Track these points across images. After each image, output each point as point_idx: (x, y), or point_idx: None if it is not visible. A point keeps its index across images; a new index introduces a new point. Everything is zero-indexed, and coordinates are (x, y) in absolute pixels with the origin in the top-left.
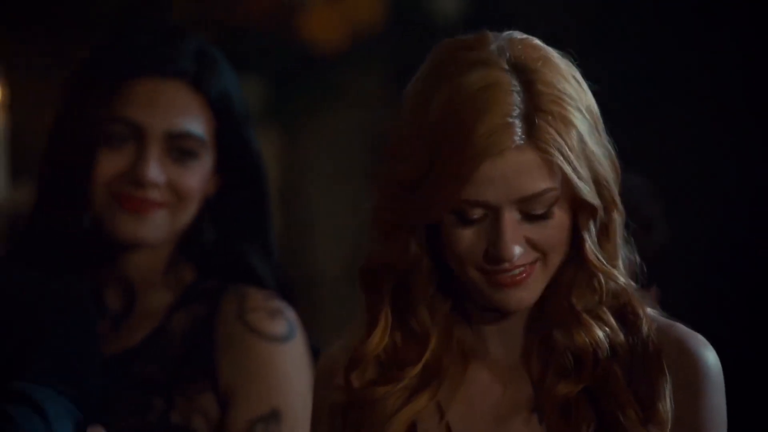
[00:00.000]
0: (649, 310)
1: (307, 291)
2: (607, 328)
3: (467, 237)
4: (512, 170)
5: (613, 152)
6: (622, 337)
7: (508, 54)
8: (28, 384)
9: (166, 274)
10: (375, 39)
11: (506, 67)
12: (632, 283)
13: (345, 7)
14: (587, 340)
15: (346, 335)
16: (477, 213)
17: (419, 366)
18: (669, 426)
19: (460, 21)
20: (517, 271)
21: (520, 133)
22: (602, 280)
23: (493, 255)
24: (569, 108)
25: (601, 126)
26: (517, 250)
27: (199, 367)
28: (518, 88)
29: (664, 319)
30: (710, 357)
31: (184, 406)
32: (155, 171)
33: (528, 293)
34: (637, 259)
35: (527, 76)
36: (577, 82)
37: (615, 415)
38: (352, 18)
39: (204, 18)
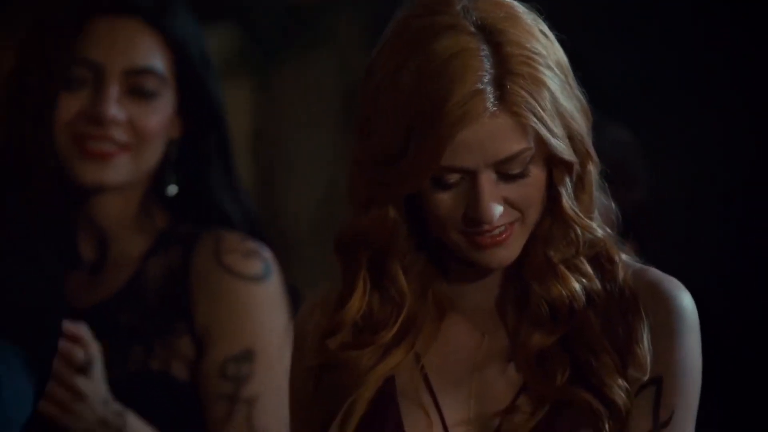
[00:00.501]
0: (623, 256)
1: (281, 238)
2: (584, 279)
3: (446, 201)
4: (487, 136)
5: (584, 101)
6: (598, 285)
7: (473, 15)
8: None
9: (138, 221)
10: None
11: (473, 30)
12: (608, 231)
13: None
14: (563, 292)
15: (320, 291)
16: (454, 177)
17: (395, 328)
18: (648, 368)
19: None
20: (497, 231)
21: (492, 99)
22: (579, 233)
23: (473, 217)
24: (539, 67)
25: (571, 77)
26: (496, 210)
27: (176, 311)
28: (487, 52)
29: (638, 264)
30: (685, 299)
31: (163, 352)
32: (115, 108)
33: (509, 252)
34: (614, 206)
35: (495, 37)
36: (545, 36)
37: (589, 362)
38: None
39: None
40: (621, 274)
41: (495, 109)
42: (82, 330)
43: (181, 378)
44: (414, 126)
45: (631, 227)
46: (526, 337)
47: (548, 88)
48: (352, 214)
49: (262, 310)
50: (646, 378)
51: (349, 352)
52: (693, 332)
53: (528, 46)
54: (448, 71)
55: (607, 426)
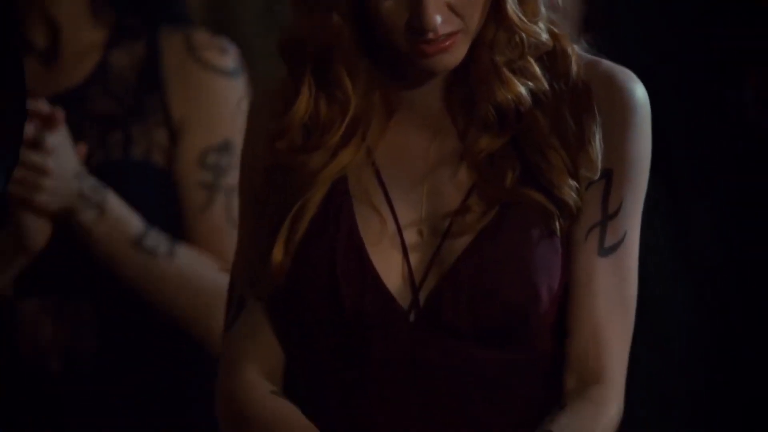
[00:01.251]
0: (576, 48)
1: (228, 32)
2: (530, 82)
3: (389, 8)
4: None
5: None
6: (546, 85)
7: None
8: None
9: (89, 11)
10: None
11: None
12: (557, 30)
13: None
14: (508, 96)
15: (273, 82)
16: None
17: (342, 129)
18: (599, 166)
19: None
20: (441, 38)
21: None
22: (523, 37)
23: (416, 25)
24: None
25: None
26: (439, 18)
27: (150, 101)
28: None
29: (590, 56)
30: (638, 91)
31: (142, 140)
32: None
33: (453, 57)
34: (560, 1)
35: None
36: None
37: (538, 163)
38: None
39: None
40: (574, 68)
41: None
42: (36, 103)
43: (160, 166)
44: None
45: (585, 19)
46: (474, 140)
47: None
48: (297, 16)
49: (237, 104)
50: (596, 177)
51: (298, 155)
52: (645, 124)
53: None
54: None
55: (557, 224)
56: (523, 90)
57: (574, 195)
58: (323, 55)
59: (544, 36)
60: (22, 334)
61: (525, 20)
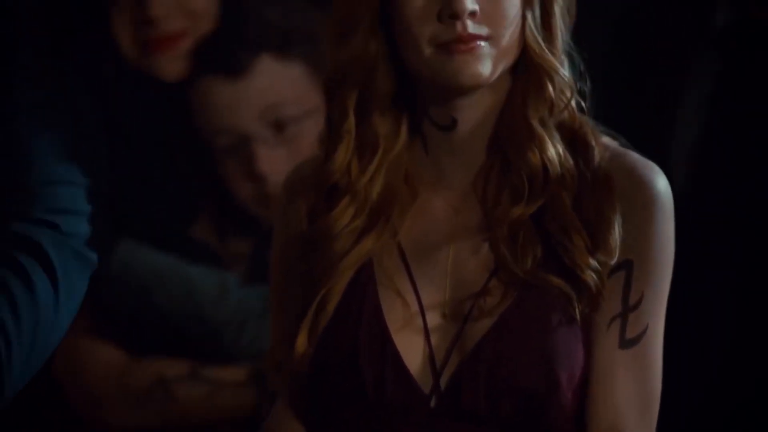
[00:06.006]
0: (605, 138)
1: None
2: (558, 145)
3: (418, 7)
4: None
5: None
6: (571, 162)
7: None
8: (30, 225)
9: None
10: None
11: None
12: (572, 85)
13: None
14: (539, 157)
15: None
16: None
17: (365, 213)
18: (616, 255)
19: None
20: (467, 36)
21: None
22: (549, 85)
23: (447, 12)
24: None
25: None
26: (470, 4)
27: None
28: None
29: (618, 147)
30: (661, 183)
31: None
32: None
33: (481, 66)
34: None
35: None
36: None
37: (561, 241)
38: None
39: None
40: (596, 158)
41: None
42: None
43: None
44: None
45: None
46: (504, 210)
47: None
48: (335, 51)
49: None
50: (613, 262)
51: (330, 215)
52: (667, 218)
53: None
54: None
55: (577, 309)
56: (553, 151)
57: (595, 277)
58: (362, 95)
59: (563, 72)
60: None
61: (544, 48)
